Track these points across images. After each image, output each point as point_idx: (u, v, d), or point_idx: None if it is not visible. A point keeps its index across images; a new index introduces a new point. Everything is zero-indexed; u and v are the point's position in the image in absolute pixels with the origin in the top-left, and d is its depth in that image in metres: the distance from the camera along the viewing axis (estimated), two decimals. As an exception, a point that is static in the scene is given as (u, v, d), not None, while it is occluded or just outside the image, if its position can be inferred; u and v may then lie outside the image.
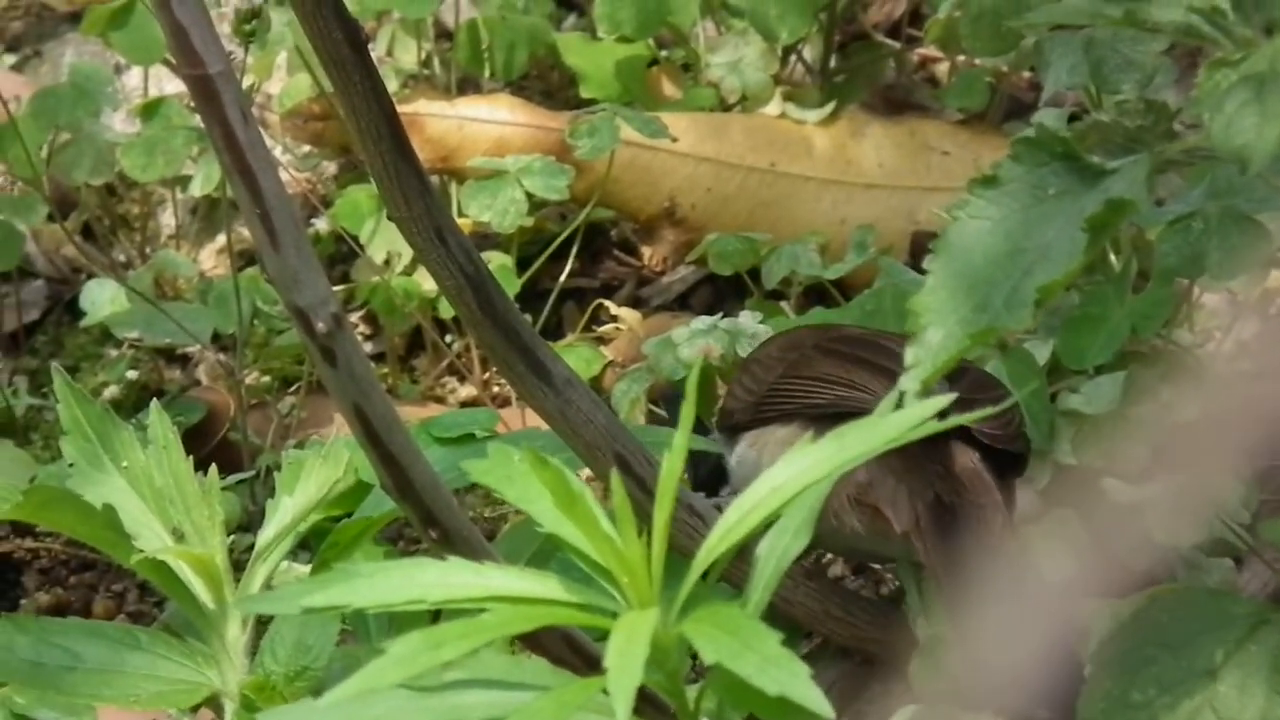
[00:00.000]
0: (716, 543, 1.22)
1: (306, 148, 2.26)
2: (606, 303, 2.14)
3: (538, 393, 1.55)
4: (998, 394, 1.57)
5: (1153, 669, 1.43)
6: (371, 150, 1.49)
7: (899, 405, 1.25)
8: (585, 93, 2.24)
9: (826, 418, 1.56)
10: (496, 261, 2.09)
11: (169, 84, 2.25)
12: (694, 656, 1.19)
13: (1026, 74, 2.27)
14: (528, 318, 1.60)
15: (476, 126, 2.17)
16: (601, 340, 2.11)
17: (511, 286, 2.06)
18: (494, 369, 2.09)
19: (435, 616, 1.29)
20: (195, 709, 1.58)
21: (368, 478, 1.59)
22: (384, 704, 1.19)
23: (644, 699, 1.21)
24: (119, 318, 2.05)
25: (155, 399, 1.70)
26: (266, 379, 2.12)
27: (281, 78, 2.26)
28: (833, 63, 2.28)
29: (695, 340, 1.87)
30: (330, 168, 2.30)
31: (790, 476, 1.22)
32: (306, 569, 1.70)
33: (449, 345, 2.14)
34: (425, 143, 2.14)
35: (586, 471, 1.62)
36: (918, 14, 2.32)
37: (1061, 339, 1.70)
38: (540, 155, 2.06)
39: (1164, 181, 1.85)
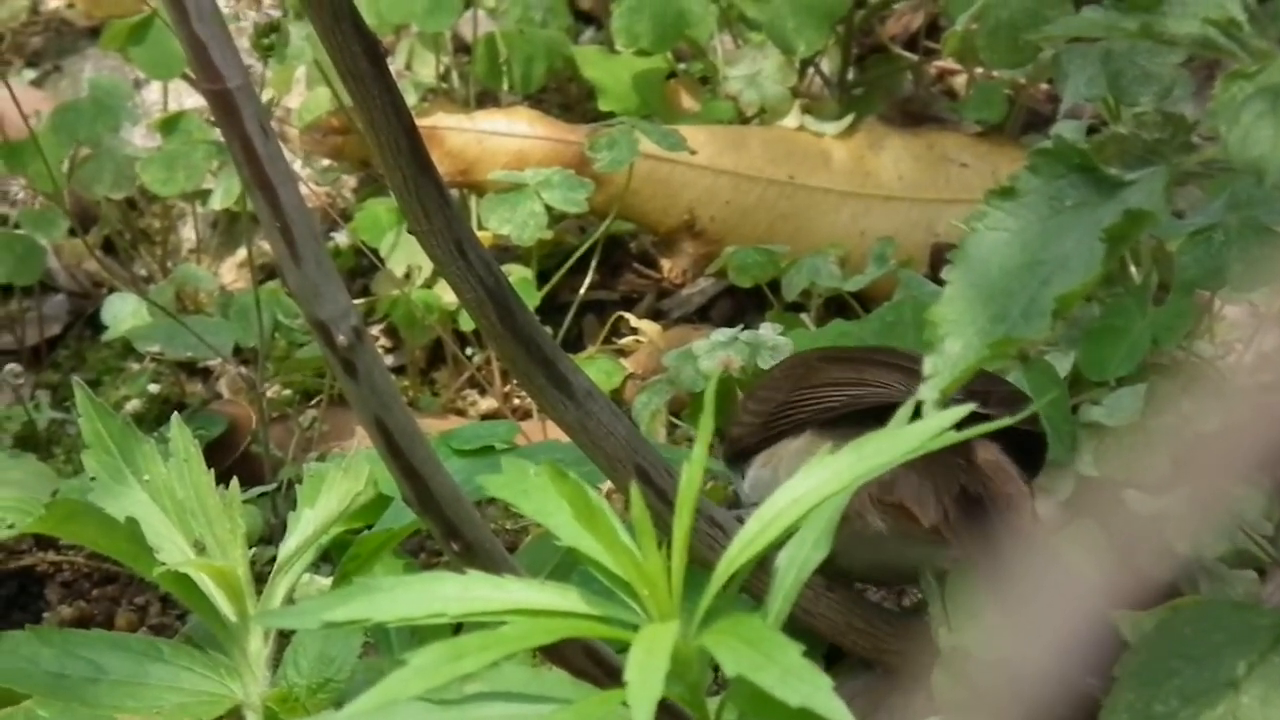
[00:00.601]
0: (737, 554, 1.22)
1: (326, 161, 2.26)
2: (626, 315, 2.14)
3: (558, 405, 1.55)
4: (1018, 403, 1.56)
5: (1175, 680, 1.43)
6: (391, 164, 1.49)
7: (917, 415, 1.25)
8: (603, 106, 2.25)
9: (841, 421, 1.56)
10: (516, 274, 2.09)
11: (188, 98, 2.26)
12: (715, 668, 1.19)
13: (1044, 86, 2.27)
14: (548, 330, 1.61)
15: (496, 140, 2.17)
16: (622, 352, 2.12)
17: (531, 299, 2.06)
18: (514, 381, 2.09)
19: (457, 629, 1.29)
20: (218, 721, 1.59)
21: (388, 490, 1.60)
22: (404, 716, 1.19)
23: (665, 711, 1.21)
24: (140, 331, 2.05)
25: (176, 412, 1.70)
26: (288, 392, 2.12)
27: (301, 92, 2.26)
28: (851, 75, 2.28)
29: (716, 352, 1.87)
30: (350, 181, 2.30)
31: (810, 488, 1.22)
32: (328, 581, 1.71)
33: (469, 358, 2.14)
34: (444, 156, 2.14)
35: (608, 484, 1.62)
36: (935, 26, 2.33)
37: (1083, 351, 1.70)
38: (559, 168, 2.06)
39: (1184, 194, 1.85)
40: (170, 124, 2.15)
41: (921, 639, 1.60)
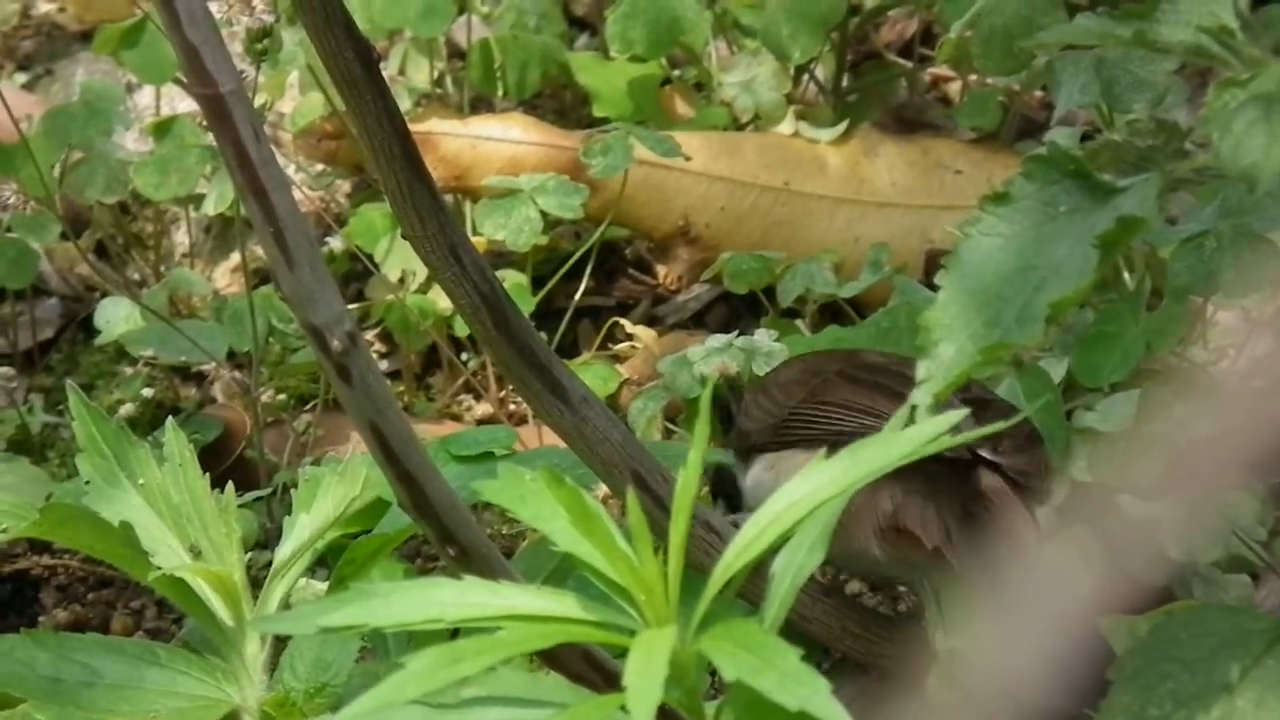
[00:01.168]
0: (733, 559, 1.22)
1: (320, 166, 2.26)
2: (622, 321, 2.14)
3: (554, 411, 1.55)
4: (1019, 426, 1.56)
5: (1169, 685, 1.43)
6: (385, 169, 1.49)
7: (911, 420, 1.26)
8: (598, 112, 2.25)
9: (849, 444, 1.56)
10: (511, 280, 2.09)
11: (181, 103, 2.26)
12: (713, 673, 1.19)
13: (1038, 93, 2.27)
14: (543, 336, 1.61)
15: (490, 145, 2.17)
16: (617, 358, 2.12)
17: (526, 305, 2.06)
18: (510, 387, 2.09)
19: (454, 634, 1.29)
20: (214, 725, 1.59)
21: (385, 494, 1.60)
22: (401, 720, 1.19)
23: (664, 716, 1.21)
24: (134, 336, 2.05)
25: (171, 416, 1.70)
26: (282, 397, 2.12)
27: (294, 96, 2.26)
28: (845, 82, 2.28)
29: (711, 358, 1.87)
30: (344, 186, 2.30)
31: (805, 493, 1.23)
32: (324, 586, 1.71)
33: (465, 363, 2.14)
34: (439, 161, 2.14)
35: (603, 489, 1.62)
36: (929, 33, 2.33)
37: (1077, 356, 1.70)
38: (554, 174, 2.06)
39: (1176, 200, 1.85)
40: (163, 128, 2.15)
41: (917, 643, 1.60)
